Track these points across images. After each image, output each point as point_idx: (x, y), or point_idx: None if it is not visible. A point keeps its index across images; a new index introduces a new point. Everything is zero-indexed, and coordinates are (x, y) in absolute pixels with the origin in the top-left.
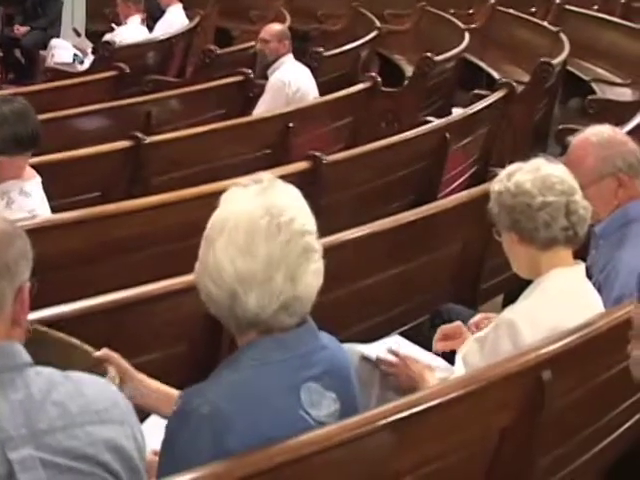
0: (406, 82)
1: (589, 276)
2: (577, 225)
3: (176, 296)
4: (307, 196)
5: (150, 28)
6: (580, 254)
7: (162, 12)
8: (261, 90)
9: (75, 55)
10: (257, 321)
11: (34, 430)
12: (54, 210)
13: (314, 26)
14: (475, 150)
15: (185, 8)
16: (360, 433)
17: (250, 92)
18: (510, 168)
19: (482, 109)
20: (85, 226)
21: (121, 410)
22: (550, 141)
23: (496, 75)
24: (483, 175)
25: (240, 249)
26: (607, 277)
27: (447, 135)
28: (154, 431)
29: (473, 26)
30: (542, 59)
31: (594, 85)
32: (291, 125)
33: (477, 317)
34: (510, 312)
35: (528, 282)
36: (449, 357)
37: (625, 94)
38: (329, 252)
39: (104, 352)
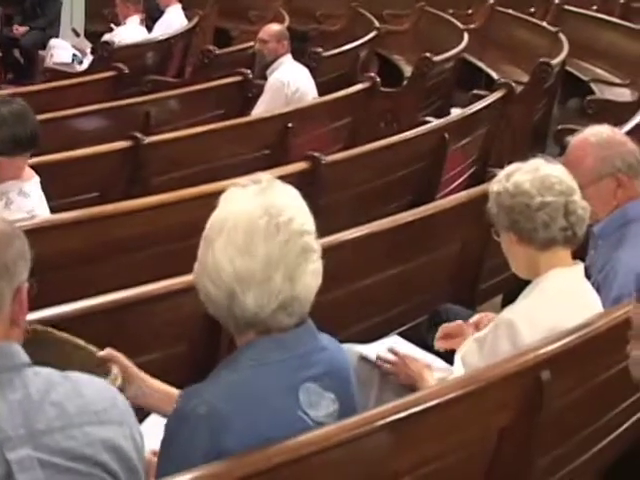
0: (405, 82)
1: (588, 276)
2: (576, 225)
3: (176, 296)
4: (306, 196)
5: (149, 28)
6: (579, 254)
7: (161, 12)
8: (260, 90)
9: (74, 55)
10: (256, 321)
11: (32, 430)
12: (53, 210)
13: (313, 26)
14: (474, 150)
15: (184, 8)
16: (359, 433)
17: (249, 92)
18: (509, 168)
19: (481, 109)
20: (84, 226)
21: (120, 410)
22: (549, 141)
23: (495, 75)
24: (482, 175)
25: (239, 249)
26: (606, 277)
27: (446, 135)
28: (153, 431)
29: (472, 26)
30: (541, 59)
31: (593, 85)
32: (290, 125)
33: (476, 317)
34: (509, 312)
35: (527, 282)
36: (448, 357)
37: (624, 94)
38: (328, 252)
39: (108, 352)
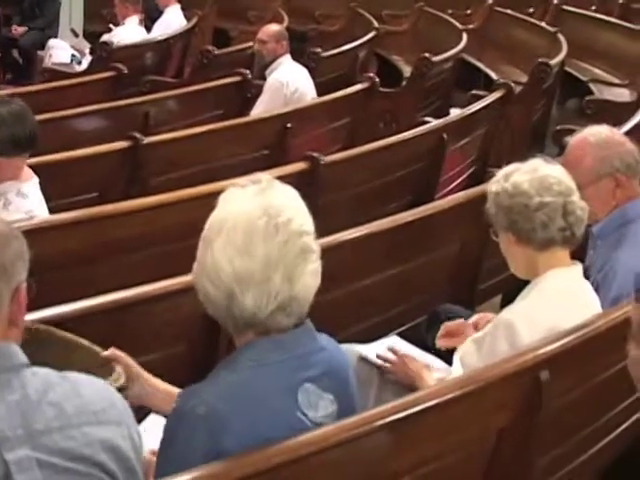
0: (404, 83)
1: (587, 276)
2: (574, 226)
3: (175, 296)
4: (305, 197)
5: (148, 29)
6: (578, 254)
7: (160, 13)
8: (259, 91)
9: (73, 55)
10: (254, 321)
11: (30, 431)
12: (52, 211)
13: (312, 27)
14: (473, 151)
15: (183, 9)
16: (358, 433)
17: (248, 93)
18: (507, 169)
19: (480, 110)
20: (83, 227)
21: (118, 410)
22: (548, 142)
23: (494, 76)
24: (481, 176)
25: (238, 249)
26: (605, 277)
27: (445, 136)
28: (152, 431)
29: (471, 27)
30: (540, 60)
31: (592, 86)
32: (289, 126)
33: (475, 317)
34: (508, 313)
35: (526, 282)
36: (447, 357)
37: (623, 95)
38: (327, 252)
39: (112, 352)
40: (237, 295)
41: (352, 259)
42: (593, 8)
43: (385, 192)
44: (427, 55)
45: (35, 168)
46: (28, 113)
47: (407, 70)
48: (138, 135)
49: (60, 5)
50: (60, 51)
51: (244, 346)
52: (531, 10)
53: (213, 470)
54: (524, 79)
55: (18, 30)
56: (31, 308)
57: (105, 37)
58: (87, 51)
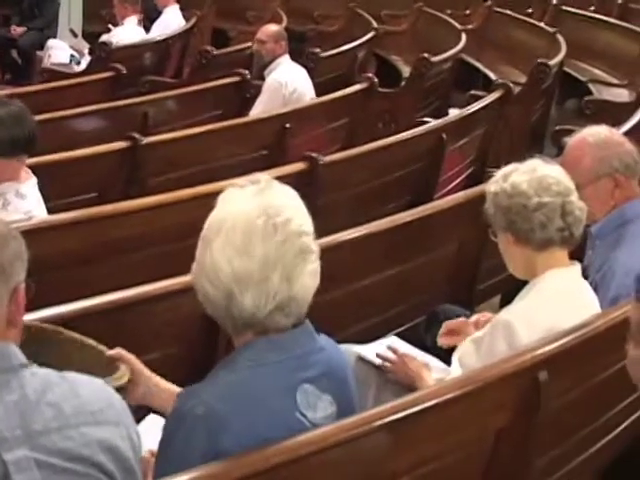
0: (403, 83)
1: (585, 276)
2: (573, 226)
3: (174, 297)
4: (304, 197)
5: (147, 29)
6: (576, 255)
7: (159, 13)
8: (258, 91)
9: (72, 56)
10: (253, 321)
11: (29, 431)
12: (51, 211)
13: (311, 27)
14: (472, 151)
15: (182, 9)
16: (357, 434)
17: (247, 93)
18: (506, 169)
19: (479, 110)
20: (82, 227)
21: (116, 411)
22: (547, 142)
23: (493, 76)
24: (480, 176)
25: (237, 249)
26: (603, 277)
27: (444, 136)
28: (151, 431)
29: (470, 27)
30: (539, 60)
31: (591, 86)
32: (288, 126)
33: (476, 316)
34: (506, 313)
35: (525, 283)
36: (446, 358)
37: (622, 95)
38: (326, 253)
39: (117, 351)
40: (236, 295)
41: (351, 259)
42: (592, 8)
43: (384, 192)
44: (426, 55)
45: (34, 168)
46: (27, 114)
47: (406, 70)
48: (137, 135)
49: (59, 5)
50: (59, 51)
51: (243, 346)
52: (530, 10)
53: (212, 470)
54: (523, 79)
55: (17, 30)
56: (30, 308)
57: (104, 37)
58: (86, 51)
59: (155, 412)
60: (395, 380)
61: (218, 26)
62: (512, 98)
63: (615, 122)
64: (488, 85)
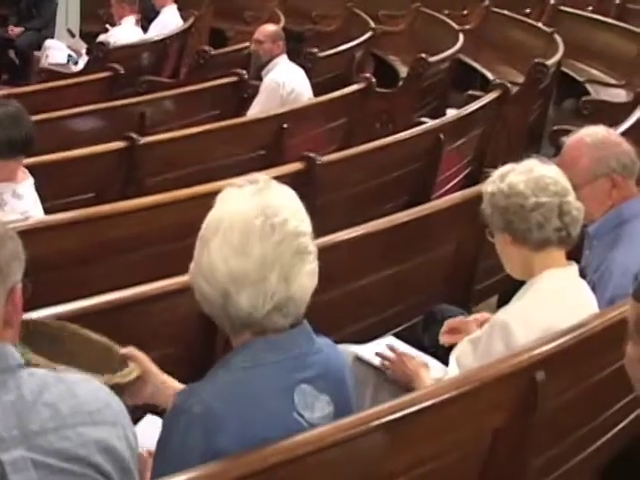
0: (400, 83)
1: (583, 276)
2: (570, 226)
3: (171, 297)
4: (301, 197)
5: (144, 29)
6: (574, 255)
7: (156, 13)
8: (255, 91)
9: (69, 56)
10: (250, 321)
11: (26, 431)
12: (48, 211)
13: (308, 27)
14: (469, 151)
15: (179, 9)
16: (354, 434)
17: (244, 93)
18: (503, 169)
19: (476, 110)
20: (79, 227)
21: (113, 411)
22: (544, 142)
23: (490, 76)
24: (477, 176)
25: (234, 249)
26: (601, 277)
27: (441, 136)
28: (149, 431)
29: (467, 27)
30: (536, 60)
31: (588, 86)
32: (285, 126)
33: (474, 316)
34: (503, 313)
35: (522, 283)
36: (444, 358)
37: (619, 95)
38: (323, 253)
39: (129, 350)
40: (233, 295)
41: (348, 259)
42: (590, 9)
43: (381, 192)
44: (424, 55)
45: (31, 168)
46: (24, 115)
47: (403, 70)
48: (134, 135)
49: (57, 5)
50: (56, 51)
51: (241, 346)
52: (528, 10)
53: (210, 470)
54: (521, 79)
55: (15, 31)
56: (27, 308)
57: (101, 37)
58: (83, 51)
59: (153, 412)
60: (393, 379)
61: (216, 26)
62: (510, 98)
63: (613, 122)
64: (485, 85)
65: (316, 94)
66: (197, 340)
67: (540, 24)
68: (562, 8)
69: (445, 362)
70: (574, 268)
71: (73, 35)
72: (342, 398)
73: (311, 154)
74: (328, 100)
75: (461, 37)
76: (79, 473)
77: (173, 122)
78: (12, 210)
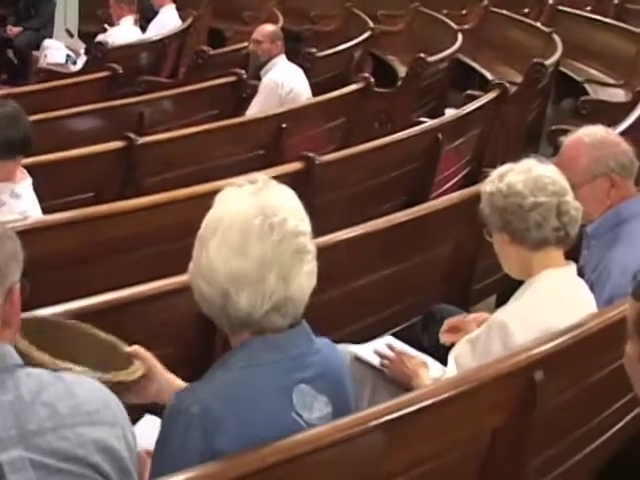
0: (399, 83)
1: (581, 276)
2: (568, 226)
3: (170, 296)
4: (300, 197)
5: (143, 29)
6: (572, 254)
7: (155, 13)
8: (254, 91)
9: (68, 56)
10: (249, 321)
11: (24, 431)
12: (47, 211)
13: (307, 27)
14: (468, 151)
15: (178, 9)
16: (352, 433)
17: (243, 93)
18: (501, 169)
19: (475, 110)
20: (78, 227)
21: (112, 411)
22: (543, 142)
23: (489, 76)
24: (476, 176)
25: (233, 249)
26: (599, 277)
27: (440, 136)
28: (147, 431)
29: (466, 27)
30: (535, 60)
31: (587, 86)
32: (284, 126)
33: (472, 315)
34: (501, 313)
35: (520, 283)
36: (442, 358)
37: (618, 95)
38: (322, 252)
39: (135, 349)
40: (232, 295)
41: (347, 259)
42: (588, 8)
43: (380, 192)
44: (422, 55)
45: (30, 168)
46: (22, 116)
47: (402, 70)
48: (133, 135)
49: (55, 5)
50: (55, 51)
51: (239, 346)
52: (526, 10)
53: (208, 470)
54: (519, 79)
55: (13, 30)
56: (25, 308)
57: (100, 37)
58: (82, 51)
59: (152, 412)
60: (391, 379)
61: (214, 26)
62: (508, 98)
63: (611, 122)
64: (484, 85)
65: (315, 94)
66: (196, 340)
67: (539, 24)
68: (561, 8)
69: (444, 362)
70: (572, 268)
71: (72, 35)
72: (341, 398)
73: (310, 154)
74: (327, 100)
75: (460, 37)
76: (77, 473)
77: (172, 122)
78: (10, 210)
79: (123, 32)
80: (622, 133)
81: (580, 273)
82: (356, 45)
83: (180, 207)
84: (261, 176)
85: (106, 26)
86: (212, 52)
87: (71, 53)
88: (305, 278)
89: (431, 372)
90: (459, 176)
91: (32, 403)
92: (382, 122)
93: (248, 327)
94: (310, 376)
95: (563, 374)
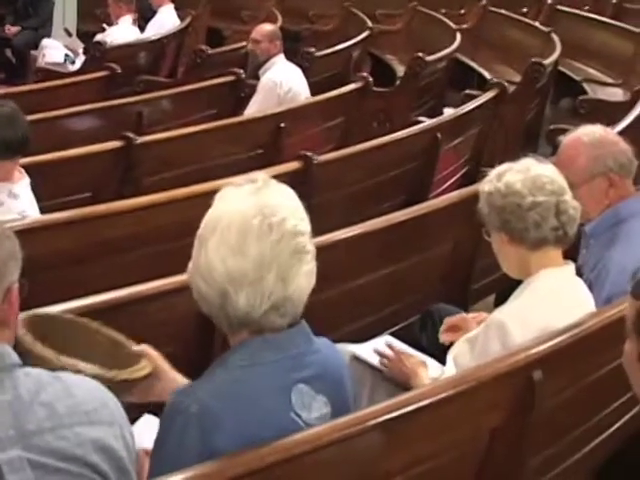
0: (398, 82)
1: (579, 275)
2: (567, 225)
3: (168, 296)
4: (298, 196)
5: (141, 28)
6: (570, 254)
7: (153, 12)
8: (252, 90)
9: (66, 55)
10: (248, 321)
11: (22, 431)
12: (45, 211)
13: (305, 26)
14: (466, 150)
15: (176, 8)
16: (351, 433)
17: (242, 92)
18: (500, 168)
19: (473, 109)
20: (76, 226)
21: (110, 410)
22: (541, 141)
23: (487, 75)
24: (474, 175)
25: (232, 248)
26: (598, 276)
27: (438, 135)
28: (146, 431)
29: (465, 26)
30: (533, 59)
31: (585, 85)
32: (283, 125)
33: (471, 315)
34: (500, 313)
35: (519, 282)
36: (440, 357)
37: (616, 94)
38: (320, 252)
39: (143, 348)
40: (230, 294)
41: (345, 259)
42: (586, 8)
43: (379, 191)
44: (421, 55)
45: (28, 168)
46: (20, 116)
47: (401, 70)
48: (131, 135)
49: (54, 5)
50: (53, 51)
51: (238, 345)
52: (525, 10)
53: (206, 469)
54: (518, 79)
55: (11, 30)
56: (23, 308)
57: (98, 37)
58: (80, 51)
59: (150, 412)
60: (390, 378)
61: (213, 25)
62: (507, 97)
63: (609, 121)
64: (483, 84)
65: (313, 93)
66: (194, 339)
67: (537, 23)
68: (559, 7)
69: (442, 361)
70: (571, 267)
71: (70, 34)
72: (340, 399)
73: (308, 153)
74: (325, 99)
75: (458, 36)
76: (76, 473)
77: (170, 121)
78: (9, 210)
79: (121, 32)
80: (621, 132)
81: (579, 272)
82: (354, 44)
83: (178, 207)
84: (261, 175)
85: (105, 26)
86: (211, 51)
87: (69, 52)
88: (304, 278)
89: (430, 371)
90: (458, 175)
91: (31, 403)
92: (381, 121)
93: (247, 326)
94: (309, 376)
95: (562, 374)
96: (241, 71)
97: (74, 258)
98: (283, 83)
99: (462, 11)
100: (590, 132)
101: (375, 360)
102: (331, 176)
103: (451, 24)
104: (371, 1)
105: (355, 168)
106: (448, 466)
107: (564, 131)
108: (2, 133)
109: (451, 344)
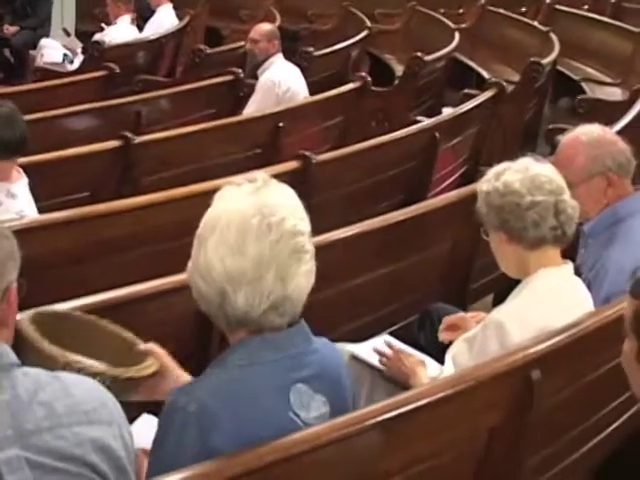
0: (396, 82)
1: (578, 275)
2: (565, 224)
3: (167, 296)
4: (297, 195)
5: (140, 28)
6: (569, 253)
7: (152, 12)
8: (251, 90)
9: (65, 55)
10: (247, 320)
11: (21, 430)
12: (44, 210)
13: (304, 26)
14: (465, 150)
15: (175, 8)
16: (349, 432)
17: (240, 92)
18: (498, 168)
19: (472, 109)
20: (74, 226)
21: (109, 410)
22: (540, 141)
23: (486, 75)
24: (473, 175)
25: (231, 248)
26: (596, 275)
27: (437, 135)
28: (144, 430)
29: (463, 26)
30: (532, 59)
31: (584, 85)
32: (281, 125)
33: (470, 314)
34: (498, 312)
35: (517, 282)
36: (439, 357)
37: (615, 94)
38: (318, 251)
39: (150, 346)
40: (229, 293)
41: (344, 258)
42: (585, 7)
43: (377, 191)
44: (419, 54)
45: (26, 168)
46: (18, 116)
47: (399, 69)
48: (130, 134)
49: (52, 4)
50: (52, 50)
51: (237, 344)
52: (523, 9)
53: (205, 469)
54: (516, 78)
55: (10, 29)
56: (22, 308)
57: (97, 36)
58: (79, 50)
59: (149, 411)
60: (389, 377)
61: (211, 25)
62: (505, 97)
63: (608, 121)
64: (481, 84)
65: (312, 93)
66: (193, 339)
67: (536, 23)
68: (558, 7)
69: (441, 361)
70: (569, 267)
71: (69, 34)
72: (338, 398)
73: (307, 153)
74: (324, 99)
75: (457, 36)
76: (74, 472)
77: (169, 121)
78: (7, 210)
79: (120, 31)
80: (619, 132)
81: (577, 272)
82: (353, 44)
83: (177, 206)
84: (261, 174)
85: (103, 25)
86: (209, 51)
87: (68, 52)
88: (303, 278)
89: (428, 371)
90: (456, 175)
91: (29, 402)
92: (379, 121)
93: (246, 326)
94: (308, 375)
95: (560, 373)
96: (240, 70)
97: (73, 258)
98: (282, 83)
99: (461, 11)
100: (589, 132)
101: (374, 359)
102: (329, 176)
103: (450, 24)
104: (370, 1)
105: (353, 168)
106: (447, 465)
107: (563, 130)
108: (0, 133)
109: (450, 343)
